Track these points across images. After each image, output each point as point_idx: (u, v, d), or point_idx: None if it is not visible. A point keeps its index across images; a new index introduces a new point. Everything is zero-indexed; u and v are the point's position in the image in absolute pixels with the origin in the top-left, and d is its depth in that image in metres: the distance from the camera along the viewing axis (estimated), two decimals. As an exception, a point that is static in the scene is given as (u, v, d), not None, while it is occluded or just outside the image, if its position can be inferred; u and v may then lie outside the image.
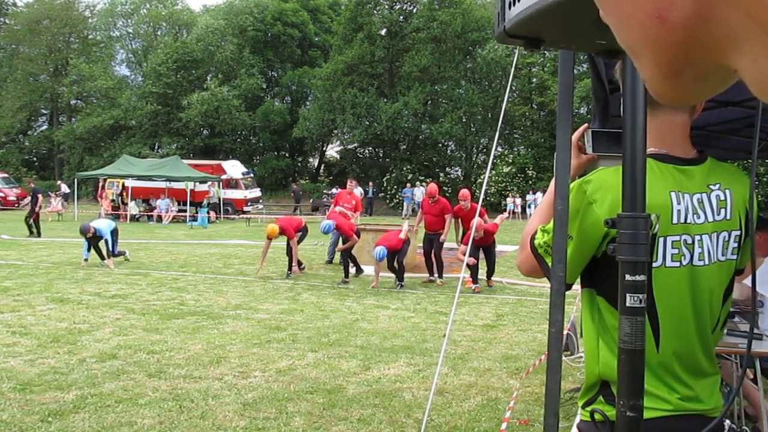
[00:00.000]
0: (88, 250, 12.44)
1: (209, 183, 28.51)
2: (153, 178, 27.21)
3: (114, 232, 12.56)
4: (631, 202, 1.06)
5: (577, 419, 1.70)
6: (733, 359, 4.13)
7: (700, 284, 1.54)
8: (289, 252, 11.66)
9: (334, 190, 30.55)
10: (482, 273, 10.88)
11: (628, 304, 1.04)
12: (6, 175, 34.25)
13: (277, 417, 4.71)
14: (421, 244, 11.65)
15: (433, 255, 11.12)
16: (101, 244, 12.49)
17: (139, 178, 27.39)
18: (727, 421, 1.62)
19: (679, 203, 1.51)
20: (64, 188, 30.36)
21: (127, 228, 20.72)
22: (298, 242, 11.75)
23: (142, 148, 40.57)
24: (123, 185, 28.72)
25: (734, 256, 1.61)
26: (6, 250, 15.16)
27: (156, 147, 43.28)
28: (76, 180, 29.64)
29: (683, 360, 1.55)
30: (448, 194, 33.62)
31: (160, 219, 26.92)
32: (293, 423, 4.59)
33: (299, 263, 11.88)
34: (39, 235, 18.61)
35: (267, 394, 5.23)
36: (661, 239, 1.49)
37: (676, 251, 1.51)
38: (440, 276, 11.13)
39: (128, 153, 34.09)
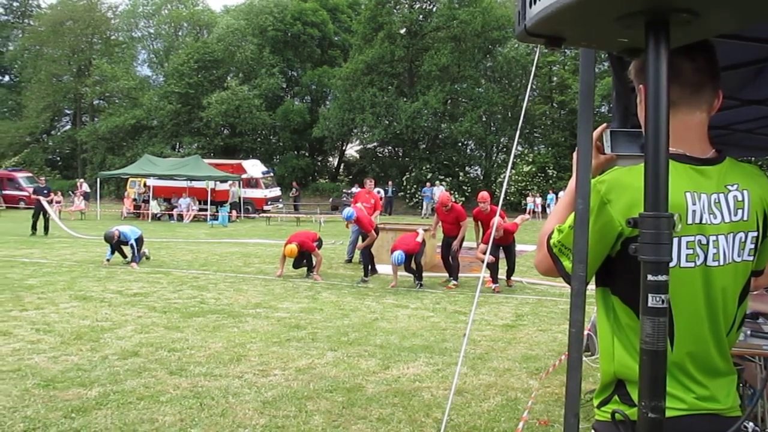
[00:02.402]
0: (112, 252, 12.58)
1: (229, 183, 28.68)
2: (174, 177, 27.48)
3: (139, 240, 12.65)
4: (654, 201, 1.05)
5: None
6: (757, 361, 4.07)
7: (713, 285, 1.53)
8: (300, 265, 11.62)
9: (353, 189, 30.60)
10: (502, 273, 10.83)
11: (650, 305, 1.03)
12: (30, 174, 34.69)
13: (296, 415, 4.72)
14: (440, 244, 11.61)
15: (450, 258, 11.06)
16: (126, 248, 12.65)
17: (161, 177, 27.66)
18: (751, 424, 1.61)
19: (694, 204, 1.51)
20: (85, 187, 30.67)
21: (148, 227, 20.93)
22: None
23: (164, 147, 40.98)
24: (145, 184, 29.00)
25: (750, 258, 1.59)
26: (30, 248, 15.38)
27: (177, 146, 43.67)
28: (98, 179, 29.95)
29: (698, 360, 1.55)
30: (467, 194, 33.61)
31: (181, 218, 27.14)
32: (312, 421, 4.61)
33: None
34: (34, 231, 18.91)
35: (286, 392, 5.25)
36: (676, 239, 1.49)
37: (690, 252, 1.51)
38: (455, 278, 11.05)
39: (150, 152, 34.41)
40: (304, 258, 11.49)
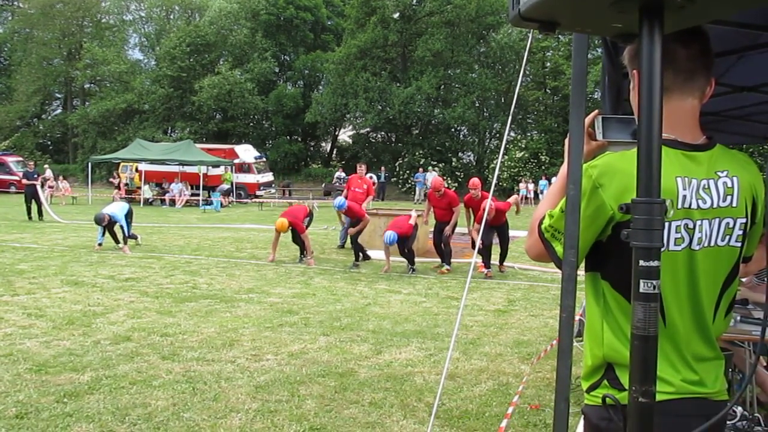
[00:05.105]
0: (103, 235, 12.53)
1: (222, 168, 28.59)
2: (166, 162, 27.35)
3: (128, 215, 12.59)
4: (647, 187, 1.05)
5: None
6: (746, 346, 4.11)
7: (696, 268, 1.55)
8: (297, 241, 11.64)
9: (342, 174, 30.56)
10: (494, 258, 10.86)
11: (641, 290, 1.04)
12: (20, 158, 34.42)
13: (289, 400, 4.74)
14: (432, 230, 11.61)
15: (442, 244, 11.06)
16: (116, 228, 12.59)
17: (153, 162, 27.53)
18: (739, 408, 1.63)
19: (684, 189, 1.52)
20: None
21: (140, 212, 20.84)
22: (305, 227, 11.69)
23: (156, 132, 40.70)
24: (136, 169, 28.86)
25: (738, 244, 1.60)
26: (21, 233, 15.31)
27: (169, 131, 43.38)
28: (90, 164, 29.76)
29: (683, 343, 1.56)
30: (460, 179, 33.60)
31: (173, 203, 27.05)
32: (305, 406, 4.63)
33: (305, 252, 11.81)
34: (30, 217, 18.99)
35: (279, 377, 5.27)
36: (666, 224, 1.49)
37: (678, 236, 1.52)
38: (447, 264, 11.07)
39: (141, 137, 34.19)
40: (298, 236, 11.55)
